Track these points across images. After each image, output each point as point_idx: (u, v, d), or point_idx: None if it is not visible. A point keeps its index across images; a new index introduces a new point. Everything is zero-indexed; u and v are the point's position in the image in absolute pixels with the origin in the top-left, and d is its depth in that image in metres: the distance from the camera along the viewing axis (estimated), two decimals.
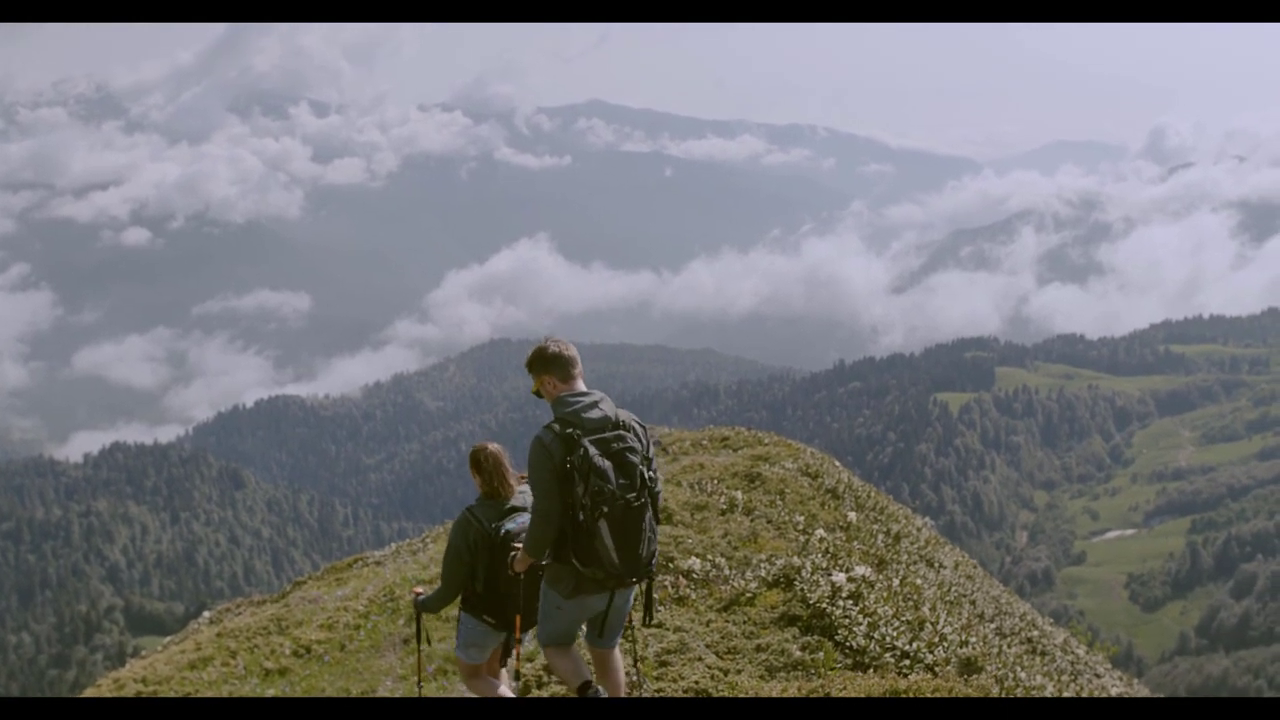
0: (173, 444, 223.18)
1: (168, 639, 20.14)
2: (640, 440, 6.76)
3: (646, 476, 6.64)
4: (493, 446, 8.02)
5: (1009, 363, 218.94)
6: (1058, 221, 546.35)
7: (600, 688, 7.20)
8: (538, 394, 7.04)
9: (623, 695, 7.33)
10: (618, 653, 7.35)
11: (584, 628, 7.36)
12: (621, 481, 6.51)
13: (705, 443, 23.52)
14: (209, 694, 11.97)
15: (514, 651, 8.01)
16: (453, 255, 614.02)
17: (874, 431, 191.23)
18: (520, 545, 7.37)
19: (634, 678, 8.54)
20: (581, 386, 6.91)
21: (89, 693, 14.15)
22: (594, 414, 6.68)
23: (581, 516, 6.46)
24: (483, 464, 7.92)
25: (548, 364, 6.90)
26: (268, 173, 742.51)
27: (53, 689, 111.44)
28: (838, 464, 22.01)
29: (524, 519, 7.67)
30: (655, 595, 7.42)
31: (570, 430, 6.57)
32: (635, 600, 7.50)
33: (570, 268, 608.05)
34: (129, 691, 12.88)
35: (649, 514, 6.66)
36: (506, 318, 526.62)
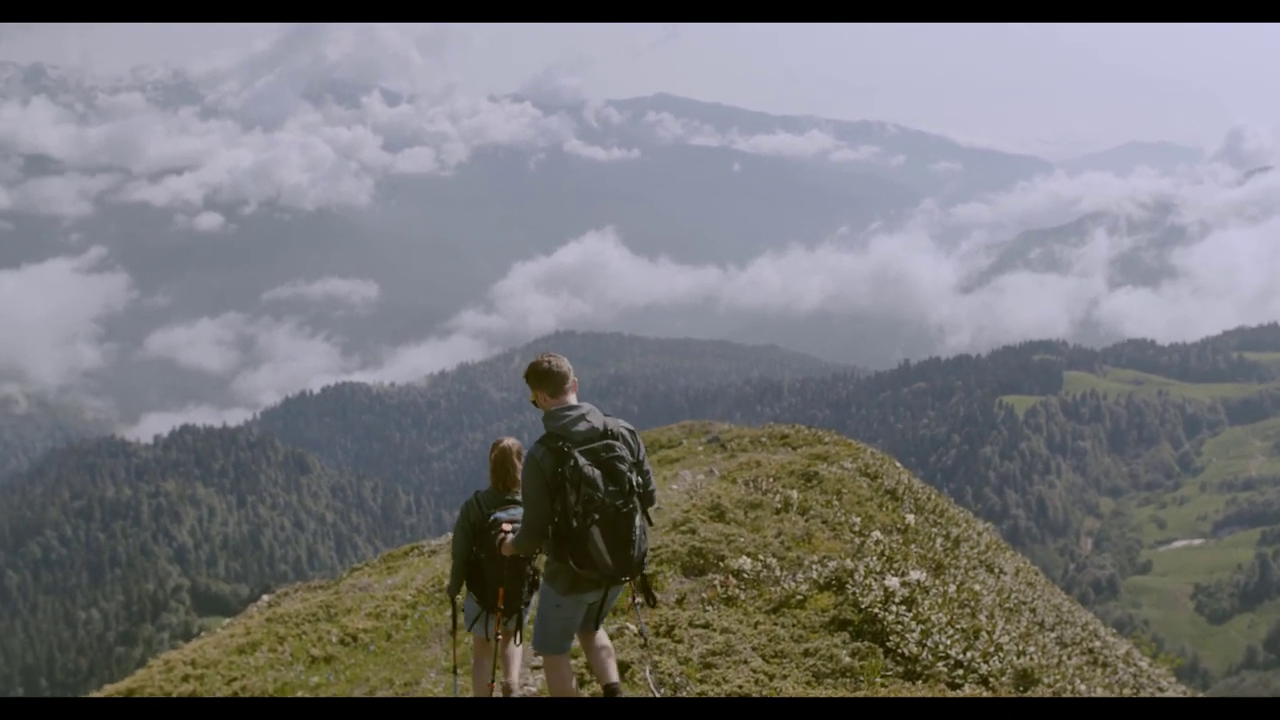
0: (240, 428, 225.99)
1: (228, 621, 20.28)
2: (629, 447, 7.04)
3: (635, 482, 6.93)
4: (506, 443, 8.72)
5: (1077, 366, 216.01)
6: (1131, 224, 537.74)
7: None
8: (535, 404, 7.32)
9: (613, 669, 7.56)
10: (603, 632, 7.64)
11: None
12: (611, 489, 6.81)
13: (764, 440, 23.35)
14: (255, 679, 11.96)
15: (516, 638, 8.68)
16: (520, 246, 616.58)
17: (938, 433, 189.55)
18: (507, 529, 8.17)
19: (677, 679, 8.39)
20: (572, 400, 7.15)
21: (141, 673, 14.21)
22: (582, 426, 6.93)
23: (575, 523, 6.75)
24: (493, 459, 8.70)
25: (540, 379, 7.18)
26: (339, 161, 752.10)
27: (120, 666, 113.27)
28: (898, 465, 21.72)
29: (516, 511, 8.25)
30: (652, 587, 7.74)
31: (560, 443, 6.85)
32: (625, 592, 7.98)
33: (637, 261, 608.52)
34: (178, 674, 12.92)
35: (638, 518, 6.95)
36: (572, 310, 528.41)
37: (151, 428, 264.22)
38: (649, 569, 11.66)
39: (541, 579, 7.31)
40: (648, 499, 7.13)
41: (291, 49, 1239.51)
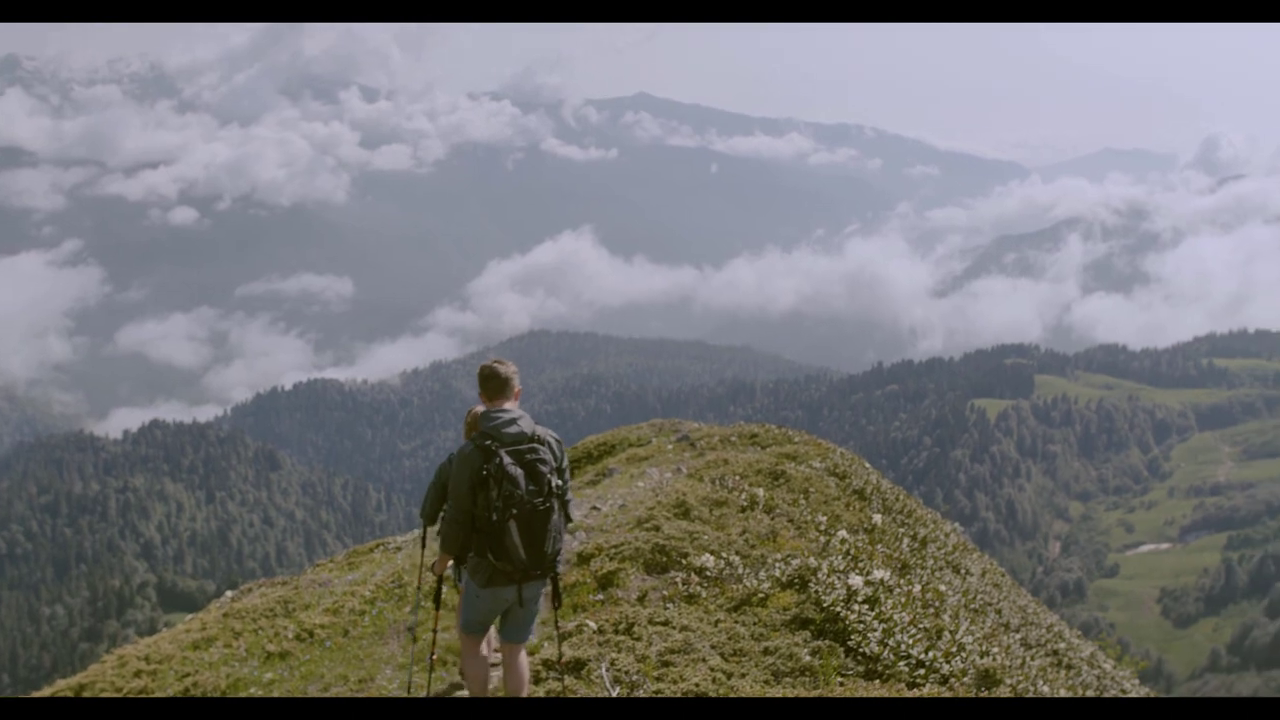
0: (211, 424, 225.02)
1: (190, 616, 20.01)
2: (553, 453, 7.57)
3: (554, 485, 7.43)
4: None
5: (1049, 371, 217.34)
6: (1105, 230, 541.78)
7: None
8: None
9: (524, 695, 7.87)
10: (524, 654, 8.02)
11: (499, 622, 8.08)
12: (531, 488, 7.31)
13: (734, 439, 23.21)
14: (208, 675, 11.74)
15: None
16: (496, 244, 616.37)
17: (909, 435, 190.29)
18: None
19: (633, 677, 8.25)
20: (508, 405, 7.63)
21: (94, 668, 13.95)
22: (512, 429, 7.42)
23: (494, 517, 7.24)
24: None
25: (483, 382, 7.72)
26: (315, 156, 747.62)
27: (83, 662, 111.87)
28: (867, 465, 21.65)
29: None
30: (562, 587, 7.94)
31: (489, 442, 7.36)
32: (546, 597, 8.16)
33: (613, 261, 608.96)
34: (130, 669, 12.67)
35: (555, 517, 7.44)
36: (547, 309, 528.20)
37: (121, 423, 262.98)
38: (608, 565, 11.58)
39: (466, 572, 7.77)
40: (565, 505, 7.56)
41: (270, 44, 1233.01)
